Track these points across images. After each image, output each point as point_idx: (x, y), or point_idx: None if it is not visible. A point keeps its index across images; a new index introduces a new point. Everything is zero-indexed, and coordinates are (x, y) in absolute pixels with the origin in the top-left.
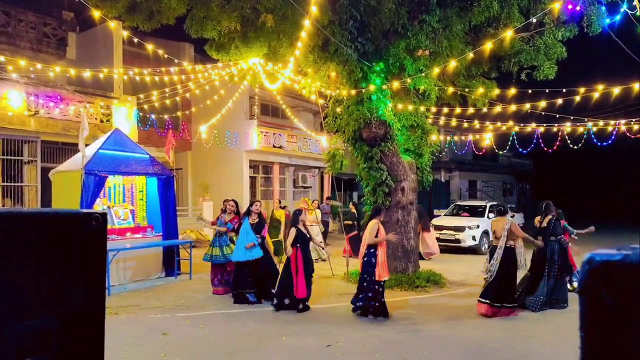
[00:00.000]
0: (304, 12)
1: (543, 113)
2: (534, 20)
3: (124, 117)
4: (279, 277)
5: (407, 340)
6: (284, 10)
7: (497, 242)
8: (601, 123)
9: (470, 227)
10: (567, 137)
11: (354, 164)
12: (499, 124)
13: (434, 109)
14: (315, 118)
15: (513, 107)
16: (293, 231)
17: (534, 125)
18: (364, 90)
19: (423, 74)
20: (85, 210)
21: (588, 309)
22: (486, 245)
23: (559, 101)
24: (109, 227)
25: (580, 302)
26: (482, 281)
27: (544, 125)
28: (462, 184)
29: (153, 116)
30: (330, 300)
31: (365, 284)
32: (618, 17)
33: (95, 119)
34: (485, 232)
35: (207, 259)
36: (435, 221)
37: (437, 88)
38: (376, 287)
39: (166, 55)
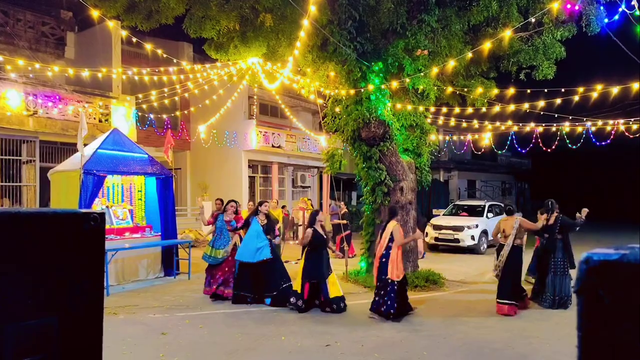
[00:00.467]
0: (302, 12)
1: (542, 113)
2: (533, 20)
3: (123, 117)
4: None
5: (407, 340)
6: (283, 10)
7: (504, 241)
8: (600, 123)
9: (469, 227)
10: (566, 136)
11: (353, 163)
12: (497, 123)
13: (432, 109)
14: (314, 118)
15: (512, 107)
16: (310, 232)
17: (532, 125)
18: (362, 90)
19: (422, 74)
20: (83, 210)
21: (586, 308)
22: (485, 245)
23: (558, 101)
24: (107, 226)
25: (578, 302)
26: (484, 280)
27: (543, 125)
28: (461, 184)
29: (152, 116)
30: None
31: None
32: (617, 17)
33: (94, 118)
34: (484, 232)
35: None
36: (434, 221)
37: (436, 88)
38: (394, 287)
39: (165, 55)
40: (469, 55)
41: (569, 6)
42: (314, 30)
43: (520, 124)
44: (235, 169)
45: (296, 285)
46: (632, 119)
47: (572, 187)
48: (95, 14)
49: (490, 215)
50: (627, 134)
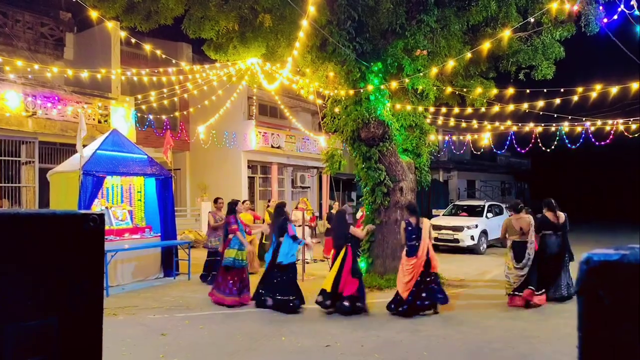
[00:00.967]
0: (302, 12)
1: (541, 113)
2: (532, 20)
3: (122, 118)
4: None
5: (407, 340)
6: (282, 10)
7: (522, 238)
8: (599, 122)
9: (468, 227)
10: (565, 136)
11: (353, 164)
12: (497, 123)
13: (432, 109)
14: (313, 118)
15: (511, 107)
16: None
17: (532, 125)
18: (362, 90)
19: (421, 74)
20: (83, 211)
21: (586, 308)
22: (485, 245)
23: (557, 101)
24: (107, 227)
25: (578, 302)
26: (484, 280)
27: (542, 125)
28: (461, 184)
29: (151, 117)
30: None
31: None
32: (615, 17)
33: (93, 119)
34: (484, 232)
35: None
36: (433, 221)
37: (435, 88)
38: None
39: (164, 56)
40: (468, 55)
41: (568, 6)
42: (313, 31)
43: (520, 124)
44: (234, 170)
45: (326, 283)
46: (632, 119)
47: (572, 187)
48: (94, 14)
49: (489, 215)
50: (626, 133)
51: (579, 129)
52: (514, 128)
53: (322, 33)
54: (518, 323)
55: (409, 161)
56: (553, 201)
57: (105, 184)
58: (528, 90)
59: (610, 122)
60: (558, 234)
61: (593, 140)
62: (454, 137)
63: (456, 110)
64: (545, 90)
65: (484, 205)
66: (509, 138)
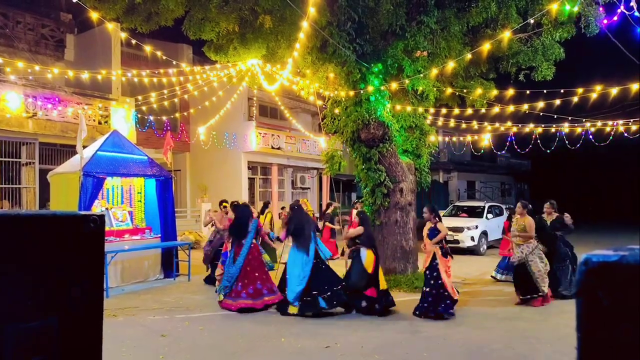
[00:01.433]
0: (302, 13)
1: (541, 114)
2: (532, 21)
3: (123, 119)
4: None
5: (407, 341)
6: (282, 12)
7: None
8: (599, 123)
9: (469, 228)
10: (565, 137)
11: (353, 165)
12: (497, 124)
13: (432, 110)
14: (313, 119)
15: (511, 108)
16: (360, 229)
17: (532, 126)
18: (362, 91)
19: (421, 75)
20: (83, 213)
21: (585, 309)
22: (485, 246)
23: (557, 102)
24: (107, 228)
25: (577, 303)
26: (485, 281)
27: (542, 126)
28: (461, 185)
29: (151, 118)
30: None
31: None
32: (615, 18)
33: (94, 120)
34: (484, 233)
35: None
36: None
37: (435, 89)
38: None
39: (164, 57)
40: (468, 56)
41: (567, 7)
42: (314, 32)
43: (520, 125)
44: (234, 171)
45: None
46: (631, 120)
47: (572, 188)
48: (94, 16)
49: (490, 216)
50: (626, 134)
51: (579, 130)
52: (514, 129)
53: (323, 34)
54: (518, 323)
55: (409, 162)
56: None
57: (106, 185)
58: (528, 92)
59: (610, 123)
60: (556, 235)
61: (593, 141)
62: (454, 138)
63: (456, 111)
64: (545, 91)
65: (484, 206)
66: (509, 139)
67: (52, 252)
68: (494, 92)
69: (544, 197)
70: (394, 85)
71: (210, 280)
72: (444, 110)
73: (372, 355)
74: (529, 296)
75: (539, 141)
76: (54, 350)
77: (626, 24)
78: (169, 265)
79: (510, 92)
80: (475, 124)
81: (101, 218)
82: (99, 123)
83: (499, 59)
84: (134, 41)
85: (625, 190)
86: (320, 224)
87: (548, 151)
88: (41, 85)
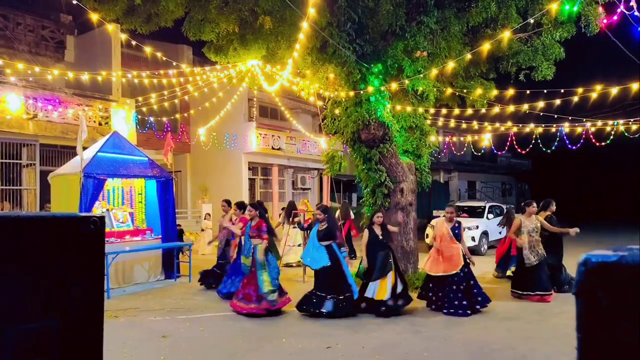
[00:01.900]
0: (302, 14)
1: (541, 113)
2: (532, 21)
3: (123, 120)
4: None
5: (407, 341)
6: (282, 12)
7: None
8: (599, 123)
9: (469, 228)
10: (565, 137)
11: (353, 165)
12: (497, 124)
13: (432, 110)
14: (314, 120)
15: (511, 108)
16: (366, 233)
17: (532, 125)
18: (362, 92)
19: (421, 75)
20: (83, 214)
21: (584, 309)
22: (486, 246)
23: (557, 102)
24: (108, 230)
25: (577, 303)
26: (485, 281)
27: (543, 125)
28: (461, 185)
29: (152, 119)
30: None
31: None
32: (615, 17)
33: (94, 122)
34: (485, 233)
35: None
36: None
37: (435, 89)
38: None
39: (164, 58)
40: (468, 56)
41: (567, 7)
42: (313, 33)
43: (520, 125)
44: (235, 172)
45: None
46: (632, 120)
47: (572, 188)
48: (94, 17)
49: (490, 216)
50: (626, 134)
51: (579, 129)
52: (515, 129)
53: (322, 35)
54: (518, 324)
55: (410, 162)
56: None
57: (106, 186)
58: (528, 91)
59: (610, 122)
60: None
61: (593, 141)
62: (455, 138)
63: (456, 111)
64: (545, 91)
65: (485, 206)
66: (509, 139)
67: (52, 253)
68: (494, 92)
69: (544, 197)
70: (394, 86)
71: (205, 280)
72: (444, 111)
73: (372, 356)
74: (533, 293)
75: (539, 141)
76: (54, 352)
77: (626, 24)
78: (170, 266)
79: (511, 92)
80: (475, 124)
81: (101, 219)
82: (100, 124)
83: (499, 59)
84: (134, 42)
85: (626, 190)
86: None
87: (548, 151)
88: (41, 87)
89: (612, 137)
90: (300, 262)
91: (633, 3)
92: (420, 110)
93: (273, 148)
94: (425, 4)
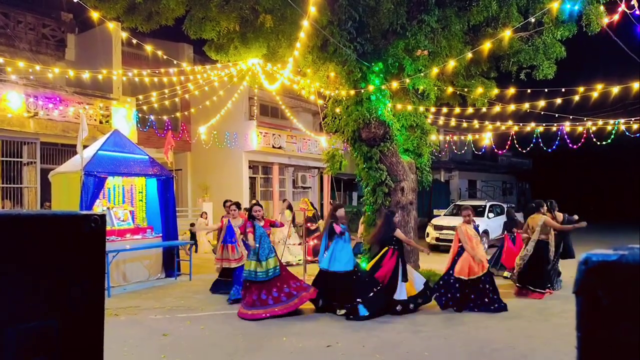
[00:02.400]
0: (302, 13)
1: (542, 113)
2: (533, 20)
3: (123, 118)
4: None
5: (408, 341)
6: (283, 11)
7: (532, 235)
8: (600, 122)
9: None
10: (566, 136)
11: (354, 164)
12: (498, 123)
13: (433, 109)
14: (314, 118)
15: (512, 107)
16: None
17: (533, 124)
18: (363, 91)
19: (422, 74)
20: (84, 212)
21: (584, 309)
22: (486, 245)
23: (558, 101)
24: (108, 228)
25: (577, 303)
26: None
27: (544, 124)
28: (462, 184)
29: (152, 117)
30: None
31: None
32: (616, 17)
33: (95, 120)
34: (485, 232)
35: (253, 277)
36: (435, 221)
37: (436, 88)
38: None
39: (165, 56)
40: (469, 55)
41: (569, 6)
42: (314, 31)
43: (521, 124)
44: (235, 170)
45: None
46: (633, 119)
47: (573, 187)
48: (95, 15)
49: (491, 215)
50: (627, 133)
51: (580, 128)
52: (515, 128)
53: (323, 33)
54: (519, 323)
55: (410, 161)
56: (550, 202)
57: (107, 185)
58: (529, 90)
59: (611, 121)
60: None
61: (594, 140)
62: (455, 137)
63: (457, 110)
64: (546, 90)
65: (485, 206)
66: (510, 138)
67: (53, 252)
68: (495, 91)
69: (545, 196)
70: (395, 85)
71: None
72: (445, 110)
73: (373, 355)
74: (539, 289)
75: (540, 140)
76: (54, 351)
77: (627, 23)
78: (170, 264)
79: (512, 91)
80: (476, 123)
81: (102, 218)
82: (100, 122)
83: (500, 58)
84: (134, 41)
85: (627, 189)
86: (321, 223)
87: (549, 150)
88: (42, 85)
89: (613, 136)
90: (300, 262)
91: (634, 2)
92: (421, 109)
93: (274, 147)
94: (426, 2)
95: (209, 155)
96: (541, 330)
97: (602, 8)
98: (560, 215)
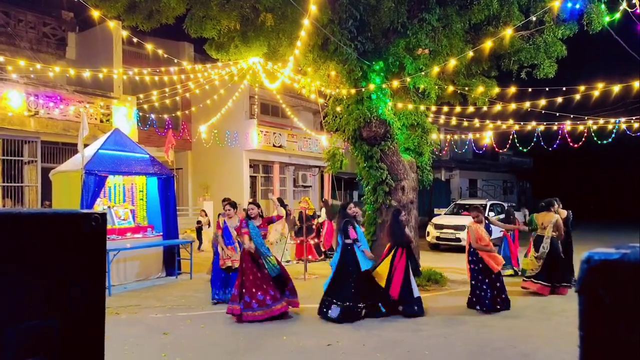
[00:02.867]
0: (303, 11)
1: (543, 111)
2: (534, 19)
3: (124, 117)
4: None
5: (408, 340)
6: (284, 9)
7: (542, 233)
8: (601, 121)
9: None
10: (567, 135)
11: (354, 163)
12: (499, 122)
13: (434, 108)
14: (315, 117)
15: (513, 106)
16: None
17: (534, 123)
18: (363, 89)
19: (423, 73)
20: (84, 211)
21: (587, 308)
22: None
23: (559, 99)
24: (109, 227)
25: (579, 301)
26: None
27: (544, 123)
28: (463, 183)
29: (153, 116)
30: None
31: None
32: (618, 15)
33: (95, 119)
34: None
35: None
36: (435, 220)
37: (437, 87)
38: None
39: (166, 55)
40: (470, 54)
41: (570, 4)
42: (315, 30)
43: (522, 123)
44: (236, 169)
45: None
46: (634, 117)
47: (574, 186)
48: (96, 14)
49: (491, 214)
50: (628, 132)
51: (581, 127)
52: (516, 127)
53: (324, 32)
54: (520, 322)
55: (411, 160)
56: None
57: (108, 184)
58: (530, 89)
59: (612, 120)
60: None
61: (595, 138)
62: (456, 136)
63: (458, 109)
64: (547, 88)
65: (486, 204)
66: (510, 137)
67: (53, 251)
68: (496, 89)
69: (546, 195)
70: (396, 83)
71: None
72: (445, 108)
73: (373, 354)
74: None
75: (541, 139)
76: (55, 351)
77: (629, 22)
78: (171, 263)
79: (512, 89)
80: (477, 122)
81: (103, 216)
82: (101, 121)
83: (500, 57)
84: (135, 39)
85: (627, 188)
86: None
87: (550, 149)
88: (43, 84)
89: (613, 135)
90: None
91: (636, 0)
92: (422, 108)
93: (274, 145)
94: (427, 1)
95: (209, 154)
96: (542, 329)
97: (603, 7)
98: (563, 212)
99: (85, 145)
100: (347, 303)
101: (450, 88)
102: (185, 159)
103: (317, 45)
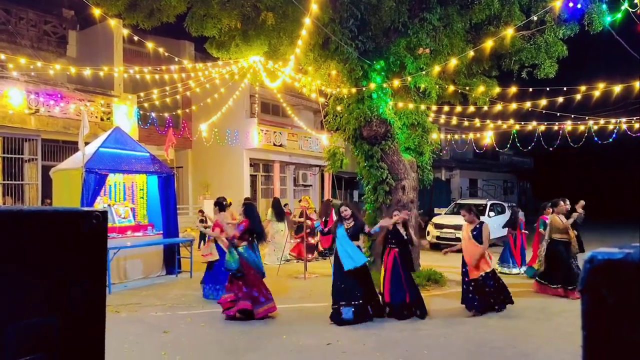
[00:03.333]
0: (304, 10)
1: (544, 111)
2: (535, 19)
3: (125, 115)
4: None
5: (408, 339)
6: (285, 8)
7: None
8: (602, 121)
9: None
10: (568, 135)
11: (355, 162)
12: (499, 122)
13: (434, 108)
14: (315, 116)
15: (514, 106)
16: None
17: (534, 123)
18: (364, 89)
19: (424, 72)
20: (85, 209)
21: (590, 307)
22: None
23: (560, 99)
24: (109, 225)
25: (582, 301)
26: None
27: (545, 123)
28: (463, 183)
29: (153, 114)
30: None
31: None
32: (619, 16)
33: (96, 117)
34: None
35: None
36: (435, 219)
37: (437, 86)
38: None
39: (166, 54)
40: (471, 53)
41: (571, 4)
42: (316, 29)
43: (522, 123)
44: (236, 168)
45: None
46: (634, 118)
47: (574, 186)
48: (97, 12)
49: (492, 214)
50: (629, 132)
51: (581, 127)
52: (517, 127)
53: (325, 31)
54: (519, 322)
55: (411, 160)
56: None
57: (108, 182)
58: (531, 89)
59: (613, 120)
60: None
61: (596, 139)
62: (457, 136)
63: (458, 108)
64: (548, 88)
65: (486, 204)
66: (511, 137)
67: (54, 249)
68: (497, 89)
69: (546, 195)
70: (396, 83)
71: None
72: (446, 108)
73: (373, 353)
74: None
75: (541, 139)
76: (55, 348)
77: (630, 22)
78: (171, 261)
79: (513, 89)
80: (477, 122)
81: (103, 214)
82: (101, 120)
83: (501, 57)
84: (136, 38)
85: (628, 188)
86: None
87: (551, 149)
88: (43, 82)
89: (614, 135)
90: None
91: (637, 0)
92: (423, 107)
93: (275, 144)
94: (427, 0)
95: (209, 153)
96: (542, 329)
97: (604, 7)
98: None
99: (86, 144)
100: (356, 302)
101: (451, 88)
102: (185, 158)
103: (318, 44)
